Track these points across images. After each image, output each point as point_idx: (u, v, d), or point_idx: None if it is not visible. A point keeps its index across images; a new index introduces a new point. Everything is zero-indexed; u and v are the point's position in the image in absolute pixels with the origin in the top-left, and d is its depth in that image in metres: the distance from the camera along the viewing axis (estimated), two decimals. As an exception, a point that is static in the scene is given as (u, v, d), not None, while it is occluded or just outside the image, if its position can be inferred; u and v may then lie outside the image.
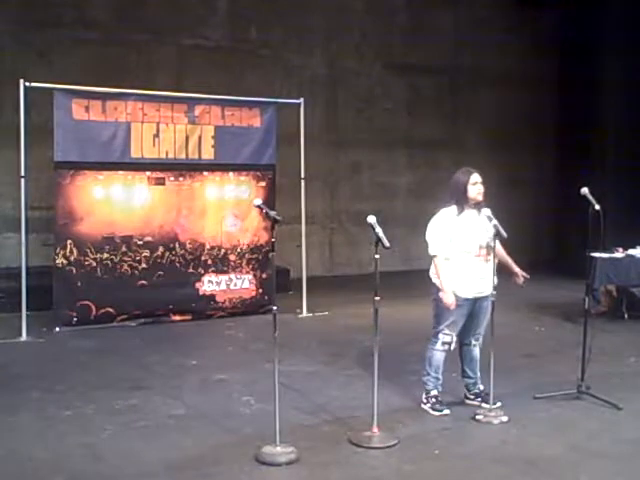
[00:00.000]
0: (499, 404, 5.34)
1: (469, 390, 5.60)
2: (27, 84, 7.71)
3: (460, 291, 5.30)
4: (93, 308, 8.17)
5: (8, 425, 5.09)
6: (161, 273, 8.53)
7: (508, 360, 6.50)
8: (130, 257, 8.38)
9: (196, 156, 8.69)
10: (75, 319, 8.08)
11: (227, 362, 6.91)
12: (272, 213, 4.79)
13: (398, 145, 13.07)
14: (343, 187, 12.78)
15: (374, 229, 4.73)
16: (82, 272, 8.12)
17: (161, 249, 8.55)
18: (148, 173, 8.48)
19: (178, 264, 8.64)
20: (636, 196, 11.41)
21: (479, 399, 5.50)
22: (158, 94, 8.65)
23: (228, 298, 8.94)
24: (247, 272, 9.03)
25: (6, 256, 9.74)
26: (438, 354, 5.42)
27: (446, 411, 5.36)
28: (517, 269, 5.53)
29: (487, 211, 5.33)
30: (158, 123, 8.46)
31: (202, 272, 8.78)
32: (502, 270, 5.48)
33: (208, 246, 8.81)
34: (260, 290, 9.08)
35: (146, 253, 8.46)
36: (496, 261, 5.29)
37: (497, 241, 5.44)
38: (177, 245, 8.64)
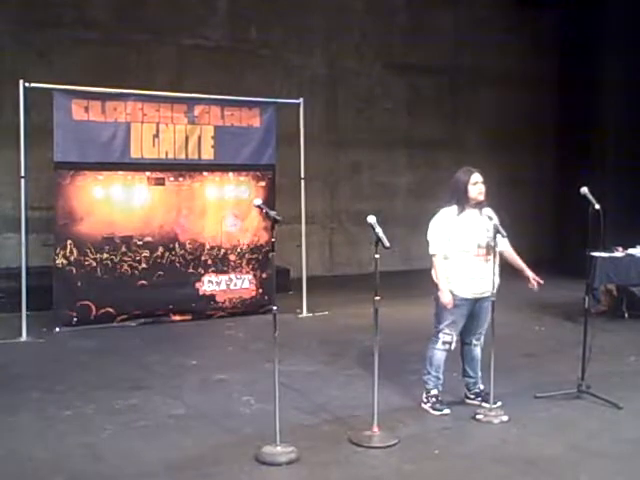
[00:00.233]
0: (499, 403, 5.34)
1: (469, 389, 5.60)
2: (27, 84, 7.71)
3: (459, 291, 5.30)
4: (93, 308, 8.17)
5: (8, 425, 5.09)
6: (161, 273, 8.53)
7: (508, 359, 6.50)
8: (130, 257, 8.38)
9: (196, 156, 8.69)
10: (75, 319, 8.08)
11: (227, 362, 6.90)
12: (272, 213, 4.79)
13: (398, 145, 13.07)
14: (343, 187, 12.78)
15: (374, 229, 4.73)
16: (82, 272, 8.12)
17: (161, 249, 8.55)
18: (148, 173, 8.48)
19: (178, 264, 8.64)
20: (636, 195, 11.41)
21: (479, 399, 5.50)
22: (158, 94, 8.65)
23: (228, 298, 8.94)
24: (247, 272, 9.03)
25: (6, 256, 9.74)
26: (439, 353, 5.42)
27: (446, 411, 5.36)
28: (530, 273, 5.48)
29: (488, 210, 5.33)
30: (158, 123, 8.46)
31: (202, 272, 8.78)
32: (517, 274, 5.49)
33: (208, 246, 8.81)
34: (260, 290, 9.08)
35: (146, 253, 8.46)
36: (497, 261, 5.29)
37: (508, 244, 5.44)
38: (177, 245, 8.64)
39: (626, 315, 8.77)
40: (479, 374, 5.57)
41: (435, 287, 5.38)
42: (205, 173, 8.81)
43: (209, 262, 8.81)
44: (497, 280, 5.30)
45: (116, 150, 8.27)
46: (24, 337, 7.67)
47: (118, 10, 10.79)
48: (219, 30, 11.60)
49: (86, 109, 8.05)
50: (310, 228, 9.85)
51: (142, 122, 8.37)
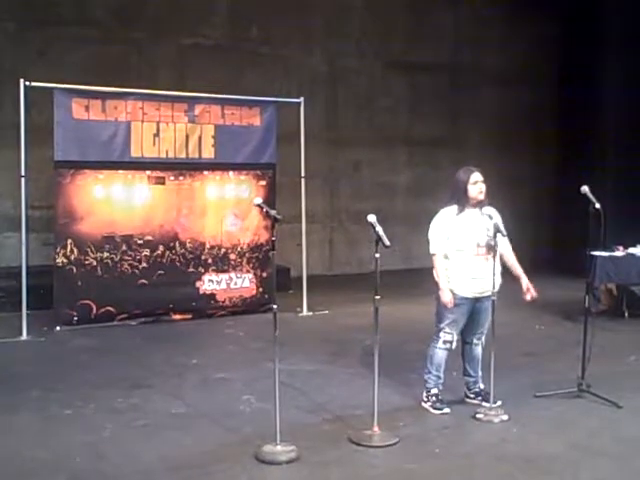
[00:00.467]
0: (499, 403, 5.34)
1: (469, 389, 5.60)
2: (27, 83, 7.71)
3: (459, 290, 5.30)
4: (93, 307, 8.17)
5: (9, 424, 5.10)
6: (161, 272, 8.53)
7: (509, 359, 6.50)
8: (130, 256, 8.38)
9: (196, 155, 8.69)
10: (75, 318, 8.08)
11: (227, 361, 6.91)
12: (272, 212, 4.79)
13: (398, 144, 13.07)
14: (343, 186, 12.78)
15: (374, 228, 4.73)
16: (82, 271, 8.12)
17: (161, 248, 8.55)
18: (148, 172, 8.48)
19: (178, 263, 8.64)
20: (636, 194, 11.40)
21: (479, 398, 5.51)
22: (158, 93, 8.65)
23: (228, 297, 8.94)
24: (247, 271, 9.03)
25: (6, 255, 9.75)
26: (440, 352, 5.43)
27: (446, 410, 5.36)
28: (525, 282, 5.43)
29: (489, 210, 5.33)
30: (158, 122, 8.46)
31: (202, 271, 8.78)
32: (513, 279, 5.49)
33: (208, 245, 8.81)
34: (260, 289, 9.08)
35: (146, 252, 8.46)
36: (497, 260, 5.28)
37: (508, 246, 5.43)
38: (177, 244, 8.64)
39: (626, 314, 8.78)
40: (479, 373, 5.57)
41: (436, 286, 5.39)
42: (205, 172, 8.81)
43: (209, 261, 8.81)
44: (499, 279, 5.30)
45: (116, 149, 8.26)
46: (24, 336, 7.67)
47: (118, 9, 10.79)
48: (219, 29, 11.60)
49: (86, 108, 8.05)
50: (310, 227, 9.85)
51: (142, 121, 8.37)
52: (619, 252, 8.56)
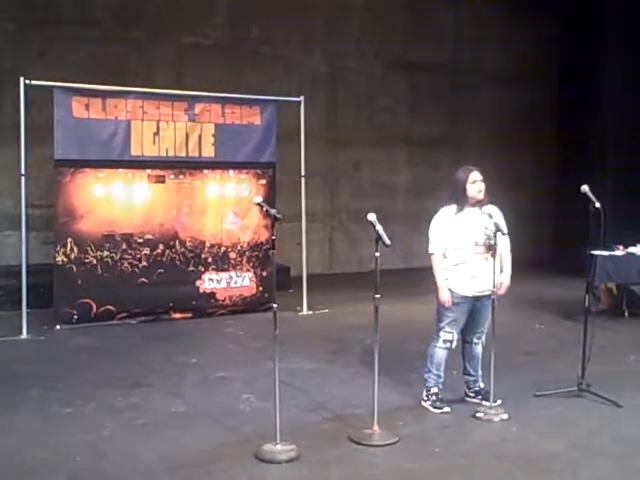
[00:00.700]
0: (499, 402, 5.34)
1: (469, 388, 5.60)
2: (27, 82, 7.71)
3: (458, 289, 5.31)
4: (93, 306, 8.17)
5: (8, 423, 5.10)
6: (161, 271, 8.53)
7: (508, 358, 6.50)
8: (130, 255, 8.38)
9: (196, 154, 8.69)
10: (75, 317, 8.08)
11: (227, 360, 6.91)
12: (272, 211, 4.79)
13: (398, 143, 13.08)
14: (343, 185, 12.79)
15: (374, 227, 4.73)
16: (82, 270, 8.12)
17: (161, 247, 8.55)
18: (148, 171, 8.48)
19: (178, 262, 8.64)
20: (636, 194, 11.40)
21: (479, 397, 5.51)
22: (158, 92, 8.64)
23: (228, 296, 8.94)
24: (247, 270, 9.03)
25: (6, 254, 9.75)
26: (440, 352, 5.43)
27: (446, 409, 5.36)
28: (504, 281, 5.37)
29: (490, 208, 5.33)
30: (158, 121, 8.46)
31: (202, 270, 8.78)
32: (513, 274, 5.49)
33: (208, 244, 8.81)
34: (260, 288, 9.07)
35: (146, 251, 8.46)
36: (497, 259, 5.28)
37: (508, 247, 5.43)
38: (177, 243, 8.64)
39: (626, 314, 8.78)
40: (479, 372, 5.57)
41: (435, 285, 5.39)
42: (205, 171, 8.81)
43: (209, 260, 8.81)
44: (498, 278, 5.30)
45: (116, 148, 8.26)
46: (24, 335, 7.68)
47: (118, 8, 10.80)
48: (219, 28, 11.60)
49: (86, 106, 8.05)
50: (310, 226, 9.85)
51: (142, 120, 8.37)
52: (619, 251, 8.56)
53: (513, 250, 5.54)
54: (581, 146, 12.31)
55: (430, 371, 5.45)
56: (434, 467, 4.44)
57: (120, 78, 9.05)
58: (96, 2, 10.73)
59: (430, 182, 12.22)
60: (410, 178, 13.23)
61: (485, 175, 5.37)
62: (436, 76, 13.21)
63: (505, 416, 5.20)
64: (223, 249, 8.88)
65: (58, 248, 8.03)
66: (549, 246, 13.32)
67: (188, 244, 8.70)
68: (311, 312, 9.13)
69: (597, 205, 5.48)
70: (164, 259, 8.56)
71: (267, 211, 4.83)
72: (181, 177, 8.65)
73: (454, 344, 5.42)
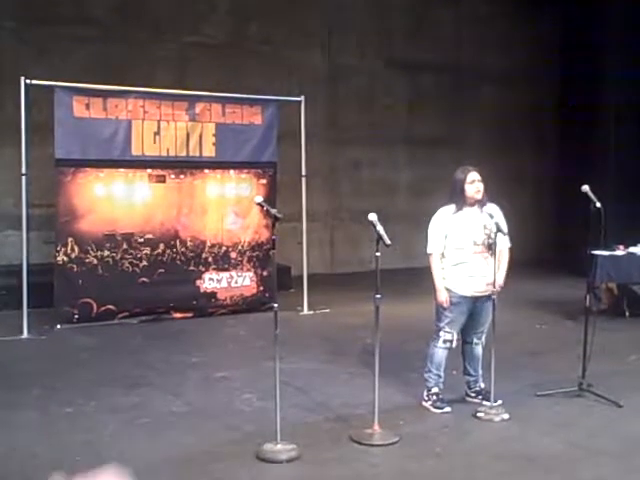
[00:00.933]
0: (500, 402, 5.33)
1: (470, 388, 5.60)
2: (28, 81, 7.71)
3: (457, 288, 5.30)
4: (94, 305, 8.18)
5: (9, 422, 5.10)
6: (162, 270, 8.53)
7: (509, 358, 6.50)
8: (131, 254, 8.38)
9: (197, 154, 8.69)
10: (76, 316, 8.09)
11: (228, 359, 6.91)
12: (273, 211, 4.79)
13: (399, 142, 13.07)
14: (344, 184, 12.79)
15: (375, 227, 4.73)
16: (83, 269, 8.12)
17: (162, 246, 8.55)
18: (149, 171, 8.49)
19: (179, 262, 8.64)
20: (637, 194, 11.40)
21: (480, 397, 5.50)
22: (159, 92, 8.64)
23: (229, 295, 8.94)
24: (248, 270, 9.03)
25: (7, 253, 9.75)
26: (440, 352, 5.43)
27: (447, 409, 5.36)
28: (498, 280, 5.31)
29: (490, 208, 5.32)
30: (159, 121, 8.46)
31: (203, 270, 8.78)
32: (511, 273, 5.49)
33: (209, 243, 8.81)
34: (261, 287, 9.08)
35: (147, 250, 8.46)
36: (496, 259, 5.28)
37: (507, 247, 5.43)
38: (178, 242, 8.64)
39: (627, 314, 8.77)
40: (480, 372, 5.57)
41: (434, 285, 5.39)
42: (206, 170, 8.81)
43: (210, 260, 8.81)
44: (497, 278, 5.29)
45: (117, 147, 8.27)
46: (25, 334, 7.68)
47: (119, 7, 10.79)
48: (220, 28, 11.59)
49: (87, 106, 8.06)
50: (311, 226, 9.85)
51: (143, 119, 8.37)
52: (620, 251, 8.55)
53: (513, 250, 5.53)
54: (582, 145, 12.30)
55: (430, 371, 5.45)
56: (435, 467, 4.44)
57: (121, 78, 9.05)
58: (97, 1, 10.73)
59: (431, 182, 12.20)
60: (411, 178, 13.23)
61: (485, 175, 5.37)
62: (437, 76, 13.20)
63: (506, 416, 5.20)
64: (224, 249, 8.88)
65: (59, 248, 8.03)
66: (549, 246, 13.32)
67: (189, 244, 8.70)
68: (312, 312, 9.13)
69: (598, 205, 5.48)
70: (165, 259, 8.56)
71: (268, 211, 4.83)
72: (182, 177, 8.65)
73: (454, 344, 5.42)
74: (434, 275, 5.35)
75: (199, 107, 8.67)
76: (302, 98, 9.22)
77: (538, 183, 13.75)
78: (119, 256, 8.32)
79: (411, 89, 13.08)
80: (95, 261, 8.19)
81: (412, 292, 9.36)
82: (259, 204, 4.99)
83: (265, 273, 9.04)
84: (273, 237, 4.97)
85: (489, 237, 5.25)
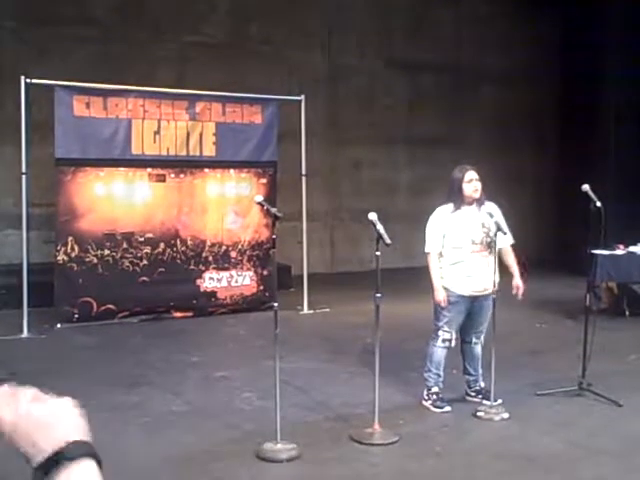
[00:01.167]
0: (500, 401, 5.33)
1: (470, 387, 5.60)
2: (28, 81, 7.71)
3: (455, 288, 5.30)
4: (94, 305, 8.17)
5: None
6: (162, 270, 8.53)
7: (509, 357, 6.49)
8: (131, 254, 8.38)
9: (197, 153, 8.69)
10: (76, 316, 8.09)
11: (228, 359, 6.91)
12: (273, 210, 4.79)
13: (399, 142, 13.07)
14: (344, 184, 12.78)
15: (375, 226, 4.73)
16: (83, 269, 8.12)
17: (162, 246, 8.54)
18: (149, 170, 8.48)
19: (179, 261, 8.64)
20: (637, 193, 11.40)
21: (480, 396, 5.50)
22: (159, 91, 8.64)
23: (229, 295, 8.94)
24: (248, 269, 9.03)
25: (7, 253, 9.75)
26: (439, 351, 5.43)
27: (447, 408, 5.36)
28: (517, 281, 5.45)
29: (490, 207, 5.33)
30: (159, 120, 8.46)
31: (203, 269, 8.78)
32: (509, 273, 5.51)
33: (209, 243, 8.81)
34: (261, 287, 9.07)
35: (147, 250, 8.46)
36: (495, 258, 5.28)
37: (509, 245, 5.44)
38: (178, 242, 8.64)
39: (627, 313, 8.77)
40: (480, 372, 5.57)
41: (432, 285, 5.38)
42: (206, 170, 8.81)
43: (210, 259, 8.81)
44: (496, 277, 5.30)
45: (117, 146, 8.27)
46: (25, 333, 7.68)
47: (119, 7, 10.79)
48: (220, 27, 11.59)
49: (87, 105, 8.06)
50: (311, 225, 9.84)
51: (143, 118, 8.37)
52: (620, 250, 8.55)
53: (513, 249, 5.54)
54: (582, 145, 12.31)
55: (430, 370, 5.45)
56: (435, 466, 4.44)
57: (121, 77, 9.05)
58: (97, 1, 10.73)
59: (431, 181, 12.18)
60: (411, 177, 13.23)
61: (484, 174, 5.38)
62: (437, 76, 13.19)
63: (506, 415, 5.20)
64: (224, 248, 8.88)
65: (59, 247, 8.03)
66: (550, 245, 13.31)
67: (189, 243, 8.69)
68: (312, 311, 9.12)
69: (598, 204, 5.48)
70: (165, 258, 8.55)
71: (268, 210, 4.83)
72: (182, 176, 8.65)
73: (453, 343, 5.42)
74: (432, 274, 5.35)
75: (199, 106, 8.66)
76: (302, 97, 9.21)
77: (538, 183, 13.75)
78: (119, 255, 8.32)
79: (411, 89, 13.08)
80: (95, 260, 8.19)
81: (412, 291, 9.32)
82: (259, 203, 4.99)
83: (265, 272, 9.04)
84: (273, 236, 4.97)
85: (487, 236, 5.25)
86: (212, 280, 8.82)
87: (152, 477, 4.27)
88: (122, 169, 8.35)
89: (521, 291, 5.44)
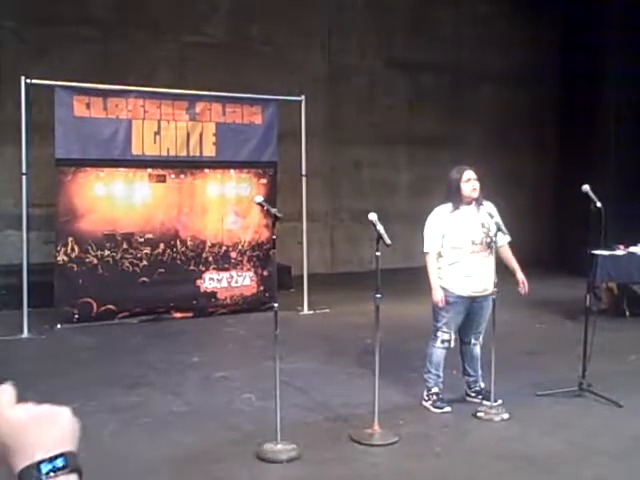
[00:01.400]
0: (500, 401, 5.33)
1: (470, 388, 5.60)
2: (28, 81, 7.71)
3: (455, 288, 5.30)
4: (94, 305, 8.17)
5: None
6: (162, 270, 8.52)
7: (509, 357, 6.49)
8: (131, 254, 8.38)
9: (197, 153, 8.68)
10: (76, 316, 8.08)
11: (228, 359, 6.91)
12: (273, 210, 4.80)
13: (399, 142, 13.07)
14: (344, 184, 12.78)
15: (375, 226, 4.73)
16: (83, 269, 8.12)
17: (162, 246, 8.54)
18: (149, 170, 8.48)
19: (179, 261, 8.64)
20: (637, 193, 11.40)
21: (480, 396, 5.50)
22: (159, 91, 8.64)
23: (229, 295, 8.94)
24: (248, 269, 9.02)
25: (7, 253, 9.74)
26: (438, 352, 5.42)
27: (447, 408, 5.36)
28: (521, 276, 5.48)
29: (489, 207, 5.32)
30: (159, 120, 8.46)
31: (203, 269, 8.77)
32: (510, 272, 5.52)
33: (209, 243, 8.80)
34: (261, 287, 9.07)
35: (147, 250, 8.46)
36: (494, 259, 5.28)
37: (506, 244, 5.44)
38: (178, 242, 8.63)
39: (627, 313, 8.77)
40: (479, 372, 5.57)
41: (430, 285, 5.38)
42: (206, 170, 8.80)
43: (210, 259, 8.81)
44: (495, 277, 5.30)
45: (117, 147, 8.26)
46: (25, 334, 7.68)
47: (119, 7, 10.79)
48: (220, 27, 11.59)
49: (87, 105, 8.05)
50: (311, 225, 9.85)
51: (143, 119, 8.37)
52: (620, 251, 8.55)
53: (513, 249, 5.55)
54: (582, 145, 12.31)
55: (430, 371, 5.45)
56: (434, 467, 4.44)
57: (121, 77, 9.05)
58: (97, 1, 10.73)
59: (431, 181, 12.17)
60: (411, 177, 13.23)
61: (485, 174, 5.38)
62: (437, 75, 13.19)
63: (506, 416, 5.20)
64: (224, 248, 8.88)
65: (59, 247, 8.03)
66: (550, 245, 13.31)
67: (189, 243, 8.69)
68: (312, 312, 9.12)
69: (598, 205, 5.48)
70: (165, 258, 8.55)
71: (268, 210, 4.83)
72: (182, 176, 8.65)
73: (452, 343, 5.42)
74: (430, 274, 5.35)
75: (199, 107, 8.66)
76: (302, 98, 9.21)
77: (538, 183, 13.75)
78: (119, 256, 8.31)
79: (411, 89, 13.07)
80: (95, 261, 8.19)
81: (412, 292, 9.33)
82: (259, 204, 5.00)
83: (265, 273, 9.04)
84: (273, 237, 4.97)
85: (487, 236, 5.25)
86: (212, 280, 8.82)
87: (152, 477, 4.27)
88: (122, 169, 8.35)
89: (527, 286, 5.44)
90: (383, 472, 4.39)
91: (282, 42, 11.95)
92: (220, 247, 8.86)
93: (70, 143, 8.01)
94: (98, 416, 5.23)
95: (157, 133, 8.44)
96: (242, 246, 8.97)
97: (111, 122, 8.19)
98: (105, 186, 8.26)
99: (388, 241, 4.69)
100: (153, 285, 8.45)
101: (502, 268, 5.51)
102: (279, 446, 4.52)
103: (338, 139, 12.55)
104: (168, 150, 8.51)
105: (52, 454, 0.97)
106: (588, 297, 5.85)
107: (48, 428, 1.00)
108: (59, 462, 0.97)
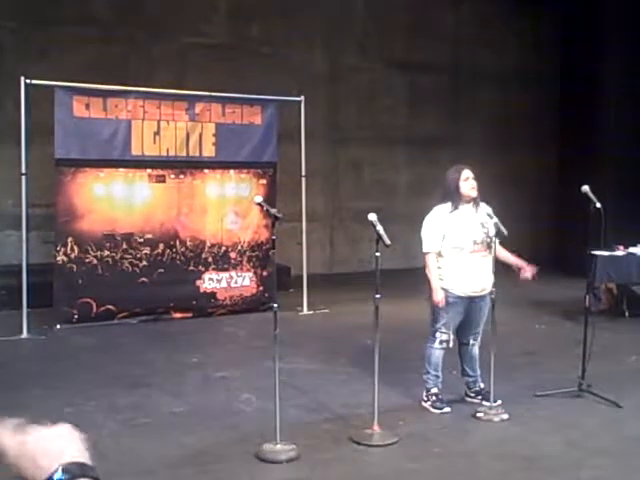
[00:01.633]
0: (500, 402, 5.34)
1: (469, 388, 5.60)
2: (28, 81, 7.71)
3: (454, 288, 5.30)
4: (94, 305, 8.17)
5: (9, 422, 5.09)
6: (162, 270, 8.52)
7: (509, 358, 6.50)
8: (131, 254, 8.38)
9: (197, 154, 8.68)
10: (76, 316, 8.08)
11: (228, 360, 6.91)
12: (273, 211, 4.80)
13: (398, 143, 13.06)
14: (344, 184, 12.78)
15: (375, 227, 4.73)
16: (83, 269, 8.12)
17: (162, 246, 8.54)
18: (149, 170, 8.48)
19: (179, 262, 8.64)
20: (637, 194, 11.40)
21: (480, 397, 5.50)
22: (159, 91, 8.64)
23: (229, 296, 8.94)
24: (248, 270, 9.02)
25: (7, 253, 9.74)
26: (437, 352, 5.42)
27: (446, 409, 5.36)
28: (518, 262, 5.48)
29: (487, 208, 5.33)
30: (159, 120, 8.46)
31: (203, 270, 8.77)
32: (510, 270, 5.51)
33: (209, 244, 8.80)
34: (261, 288, 9.07)
35: (147, 250, 8.46)
36: (492, 258, 5.28)
37: (497, 241, 5.44)
38: (178, 242, 8.63)
39: (626, 314, 8.77)
40: (478, 372, 5.57)
41: (429, 286, 5.37)
42: (206, 170, 8.80)
43: (210, 260, 8.80)
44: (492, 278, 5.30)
45: (117, 147, 8.26)
46: (25, 334, 7.67)
47: (119, 7, 10.78)
48: (220, 28, 11.58)
49: (87, 106, 8.05)
50: (311, 226, 9.84)
51: (143, 119, 8.36)
52: (620, 251, 8.55)
53: (513, 250, 5.55)
54: (581, 146, 12.30)
55: (428, 372, 5.45)
56: (434, 467, 4.44)
57: (121, 78, 9.04)
58: (97, 1, 10.72)
59: (430, 182, 12.13)
60: (410, 178, 13.22)
61: (485, 175, 5.38)
62: (436, 76, 13.19)
63: (505, 416, 5.20)
64: (223, 249, 8.88)
65: (58, 247, 8.03)
66: (549, 246, 13.31)
67: (188, 244, 8.69)
68: (311, 312, 9.12)
69: (598, 205, 5.48)
70: (164, 259, 8.55)
71: (267, 211, 4.84)
72: (182, 177, 8.65)
73: (451, 344, 5.41)
74: (430, 275, 5.34)
75: (199, 107, 8.66)
76: (302, 98, 9.21)
77: (538, 183, 13.74)
78: (119, 256, 8.31)
79: (411, 89, 13.07)
80: (95, 261, 8.19)
81: (412, 292, 9.33)
82: (259, 204, 5.00)
83: (265, 273, 9.03)
84: (273, 237, 4.97)
85: (487, 235, 5.25)
86: (212, 281, 8.82)
87: (152, 478, 4.27)
88: (122, 170, 8.34)
89: (529, 269, 5.41)
90: (382, 472, 4.39)
91: (282, 42, 11.94)
92: (220, 247, 8.86)
93: (70, 143, 8.01)
94: (97, 416, 5.23)
95: (157, 133, 8.44)
96: (242, 246, 8.97)
97: (111, 122, 8.19)
98: (105, 186, 8.26)
99: (388, 241, 4.69)
100: (153, 285, 8.45)
101: (502, 268, 5.51)
102: (279, 446, 4.52)
103: (338, 139, 12.55)
104: (168, 150, 8.51)
105: (50, 472, 1.00)
106: (588, 297, 5.85)
107: (45, 449, 1.03)
108: (56, 476, 1.00)
